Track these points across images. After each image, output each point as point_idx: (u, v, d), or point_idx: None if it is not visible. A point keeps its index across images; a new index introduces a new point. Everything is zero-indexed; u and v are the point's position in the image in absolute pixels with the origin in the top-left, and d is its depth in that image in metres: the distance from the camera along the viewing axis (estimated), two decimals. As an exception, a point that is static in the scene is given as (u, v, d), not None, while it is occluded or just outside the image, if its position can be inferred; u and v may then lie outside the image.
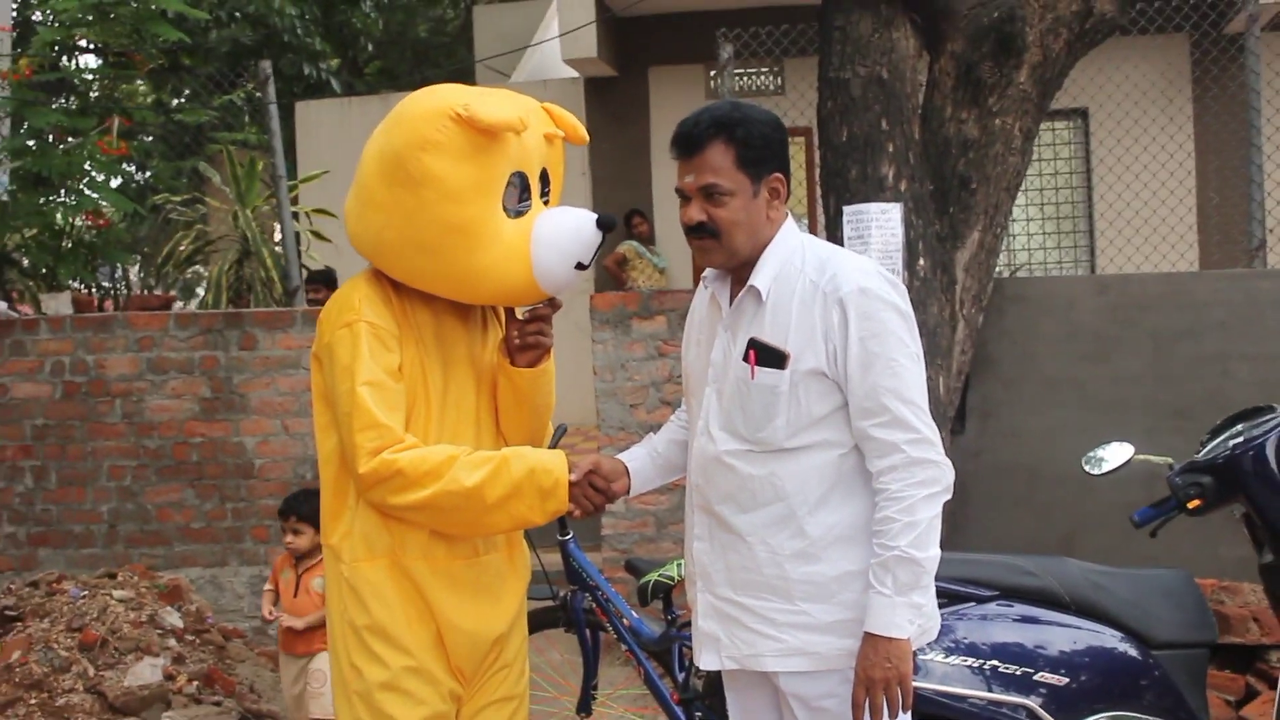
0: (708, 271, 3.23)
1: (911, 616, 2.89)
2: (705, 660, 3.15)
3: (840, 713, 2.97)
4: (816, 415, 2.97)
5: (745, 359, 3.02)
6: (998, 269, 11.25)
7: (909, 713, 2.98)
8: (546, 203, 3.34)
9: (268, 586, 5.56)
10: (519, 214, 3.21)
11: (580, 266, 3.22)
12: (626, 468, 3.34)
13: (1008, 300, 7.00)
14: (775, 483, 2.99)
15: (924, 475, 2.91)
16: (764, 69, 12.36)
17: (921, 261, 6.31)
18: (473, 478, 3.07)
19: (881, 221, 6.28)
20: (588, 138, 3.45)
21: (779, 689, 3.06)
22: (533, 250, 3.17)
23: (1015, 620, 3.91)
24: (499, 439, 3.37)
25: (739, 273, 3.10)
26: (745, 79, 12.43)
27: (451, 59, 19.78)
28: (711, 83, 12.03)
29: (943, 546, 6.19)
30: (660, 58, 12.74)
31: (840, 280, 2.97)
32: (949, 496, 2.99)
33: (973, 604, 3.92)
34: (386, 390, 3.09)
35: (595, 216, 3.21)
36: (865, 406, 2.93)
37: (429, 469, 3.05)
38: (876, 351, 2.92)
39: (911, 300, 6.03)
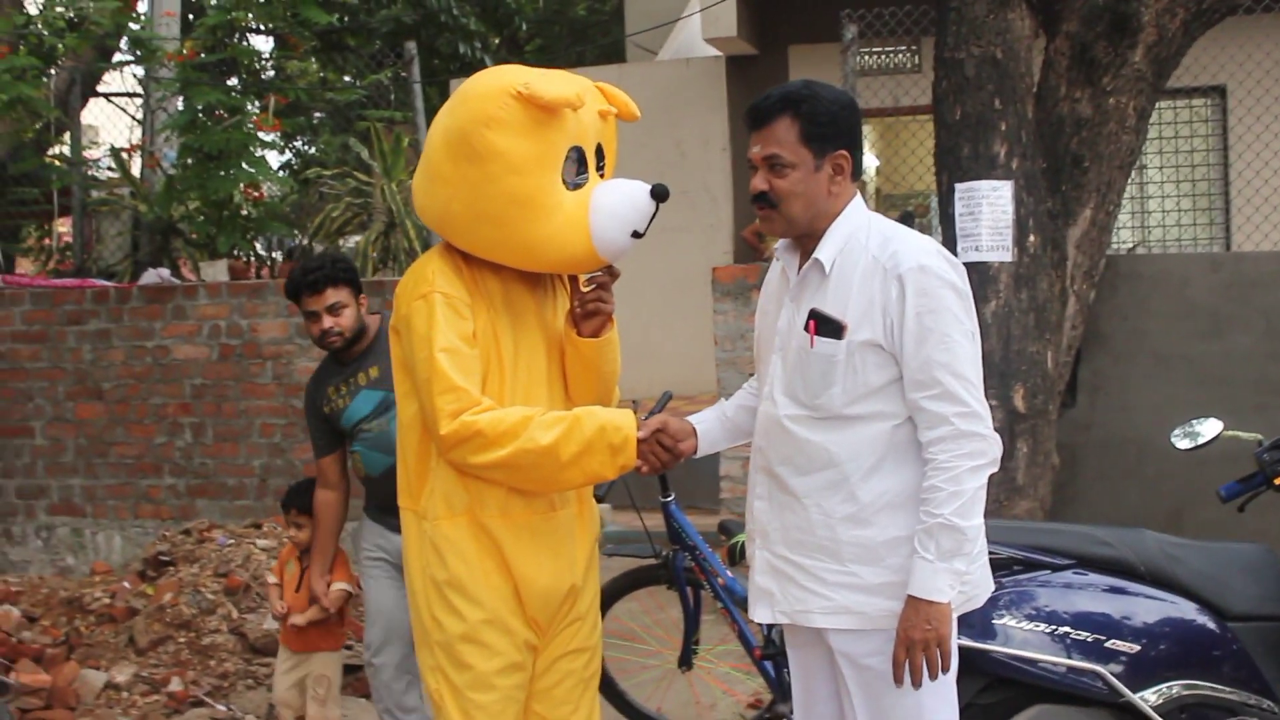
0: (779, 244, 3.30)
1: (952, 582, 2.94)
2: (759, 614, 3.23)
3: (884, 671, 3.02)
4: (873, 385, 3.03)
5: (806, 328, 3.09)
6: (1131, 244, 11.09)
7: (949, 673, 3.03)
8: (602, 176, 3.41)
9: (273, 579, 5.23)
10: (576, 186, 3.29)
11: (636, 235, 3.29)
12: (694, 429, 3.43)
13: (1121, 277, 6.91)
14: (830, 449, 3.06)
15: (971, 448, 2.95)
16: (901, 48, 12.25)
17: (1032, 238, 6.27)
18: (547, 436, 3.17)
19: (992, 199, 6.25)
20: (639, 115, 3.50)
21: (830, 647, 3.14)
22: (591, 219, 3.25)
23: (1090, 589, 3.91)
24: (569, 402, 3.46)
25: (807, 246, 3.17)
26: (882, 57, 12.33)
27: (605, 36, 19.95)
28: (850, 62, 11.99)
29: (1052, 517, 6.21)
30: (799, 36, 12.69)
31: (901, 257, 3.03)
32: (995, 469, 3.02)
33: (1048, 572, 3.93)
34: (462, 356, 3.21)
35: (649, 186, 3.28)
36: (918, 379, 2.98)
37: (506, 429, 3.16)
38: (931, 326, 2.97)
39: (1021, 276, 6.15)
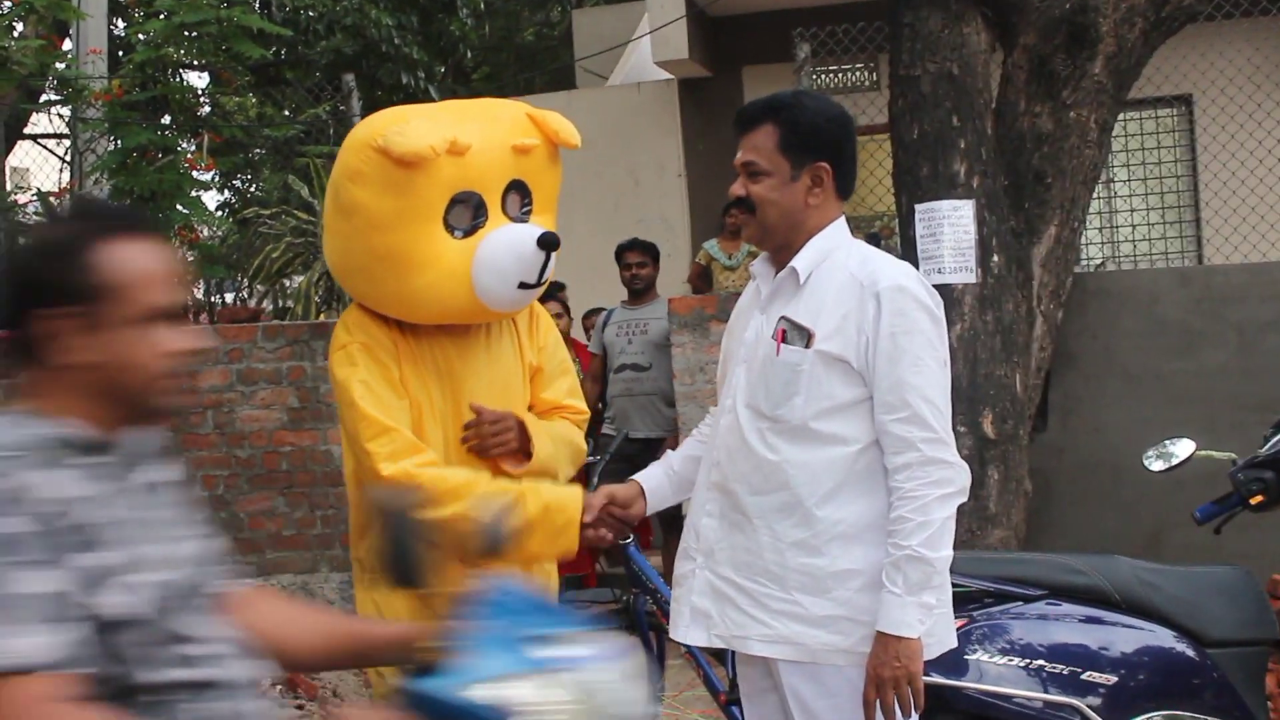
0: (755, 264, 3.32)
1: (921, 616, 2.94)
2: (693, 636, 3.21)
3: (837, 713, 3.02)
4: (837, 400, 3.04)
5: (774, 336, 3.11)
6: (1100, 260, 11.16)
7: (919, 713, 3.02)
8: (528, 215, 3.37)
9: None
10: (470, 233, 3.25)
11: (525, 286, 3.26)
12: (641, 489, 3.44)
13: (1089, 295, 6.95)
14: (787, 470, 3.06)
15: (938, 475, 2.96)
16: (857, 65, 12.31)
17: (996, 258, 6.30)
18: None
19: (953, 219, 6.28)
20: (576, 140, 3.43)
21: (782, 687, 3.13)
22: (473, 271, 3.21)
23: (1065, 620, 3.93)
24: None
25: (782, 259, 3.19)
26: (839, 76, 12.38)
27: (554, 62, 20.00)
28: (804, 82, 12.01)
29: (1027, 545, 6.23)
30: (753, 57, 12.72)
31: (879, 275, 3.06)
32: (964, 499, 3.03)
33: (1020, 603, 3.95)
34: (384, 399, 3.21)
35: (538, 234, 3.23)
36: (888, 400, 3.00)
37: (449, 489, 3.16)
38: (905, 347, 3.00)
39: (986, 297, 6.18)
